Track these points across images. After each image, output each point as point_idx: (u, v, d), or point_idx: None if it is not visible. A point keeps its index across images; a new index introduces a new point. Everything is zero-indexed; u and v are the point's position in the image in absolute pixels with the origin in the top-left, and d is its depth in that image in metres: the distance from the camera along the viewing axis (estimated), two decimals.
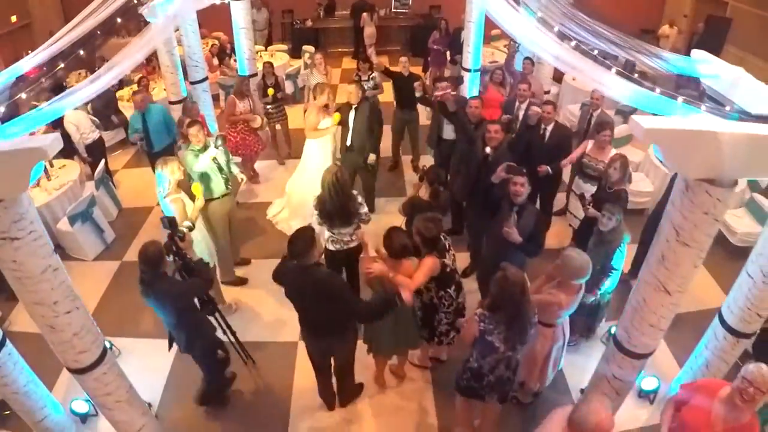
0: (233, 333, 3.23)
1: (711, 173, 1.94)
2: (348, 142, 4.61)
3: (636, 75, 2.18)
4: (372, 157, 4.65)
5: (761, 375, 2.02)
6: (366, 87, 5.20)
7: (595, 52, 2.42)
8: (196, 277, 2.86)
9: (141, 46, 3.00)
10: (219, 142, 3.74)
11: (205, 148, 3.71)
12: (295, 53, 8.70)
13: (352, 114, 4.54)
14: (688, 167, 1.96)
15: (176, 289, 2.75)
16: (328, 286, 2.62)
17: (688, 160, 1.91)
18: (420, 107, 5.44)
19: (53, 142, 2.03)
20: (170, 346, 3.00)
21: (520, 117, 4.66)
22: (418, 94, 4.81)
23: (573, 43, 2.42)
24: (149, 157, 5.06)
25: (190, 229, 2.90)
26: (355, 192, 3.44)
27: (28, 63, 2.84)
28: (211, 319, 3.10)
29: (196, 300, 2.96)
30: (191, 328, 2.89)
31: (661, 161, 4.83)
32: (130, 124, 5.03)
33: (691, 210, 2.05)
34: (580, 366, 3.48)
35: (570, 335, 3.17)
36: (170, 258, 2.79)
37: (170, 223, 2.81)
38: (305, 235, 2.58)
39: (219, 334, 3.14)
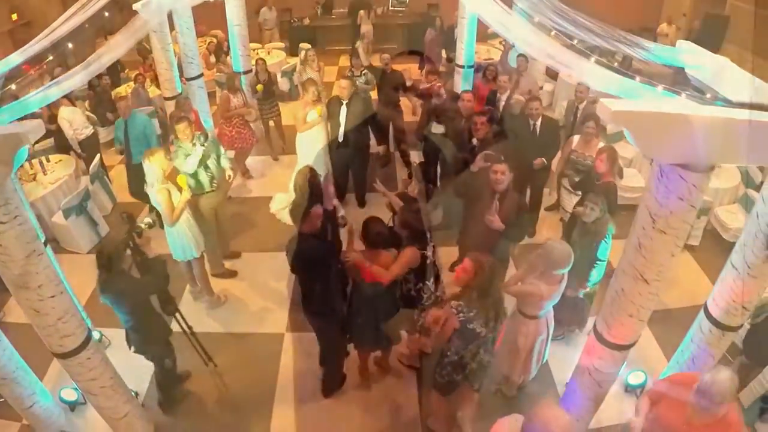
0: (194, 334, 3.23)
1: (683, 158, 1.90)
2: (341, 138, 4.63)
3: (631, 71, 2.15)
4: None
5: (715, 384, 1.92)
6: (358, 83, 5.22)
7: (576, 41, 2.42)
8: (150, 275, 2.86)
9: (128, 37, 3.04)
10: (202, 139, 3.79)
11: (195, 145, 3.76)
12: (293, 51, 8.76)
13: (343, 110, 4.56)
14: (659, 151, 1.93)
15: (131, 286, 2.76)
16: (313, 251, 2.73)
17: (658, 143, 1.89)
18: (402, 104, 5.41)
19: (34, 128, 2.07)
20: (129, 345, 2.96)
21: (501, 108, 4.69)
22: (408, 83, 4.83)
23: (553, 32, 2.42)
24: (127, 167, 4.85)
25: (150, 225, 2.95)
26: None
27: (20, 55, 2.89)
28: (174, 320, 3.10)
29: (156, 300, 2.98)
30: (146, 330, 2.90)
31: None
32: (115, 130, 4.99)
33: (666, 196, 2.01)
34: (565, 359, 3.45)
35: (556, 328, 3.16)
36: (128, 252, 2.82)
37: (128, 218, 2.90)
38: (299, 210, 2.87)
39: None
